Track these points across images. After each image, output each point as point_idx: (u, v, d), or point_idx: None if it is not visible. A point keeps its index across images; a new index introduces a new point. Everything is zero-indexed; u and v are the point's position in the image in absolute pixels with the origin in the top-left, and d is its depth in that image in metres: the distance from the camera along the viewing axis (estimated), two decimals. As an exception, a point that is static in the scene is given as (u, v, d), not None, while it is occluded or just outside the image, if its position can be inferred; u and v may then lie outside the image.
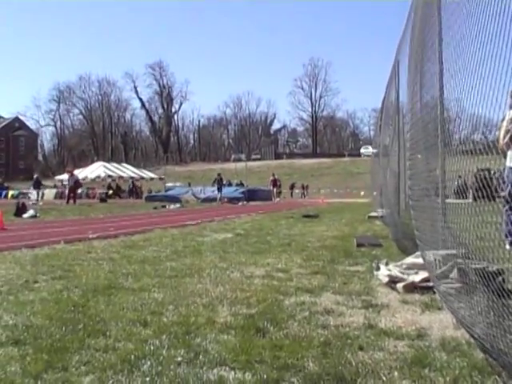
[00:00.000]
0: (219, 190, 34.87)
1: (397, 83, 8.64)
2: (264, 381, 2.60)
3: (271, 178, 38.24)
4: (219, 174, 36.49)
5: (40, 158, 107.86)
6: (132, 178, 47.09)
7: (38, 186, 34.54)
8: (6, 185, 55.26)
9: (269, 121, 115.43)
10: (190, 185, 50.40)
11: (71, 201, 30.16)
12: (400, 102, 8.41)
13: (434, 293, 4.49)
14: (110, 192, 43.60)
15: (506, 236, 4.64)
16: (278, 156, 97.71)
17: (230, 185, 45.15)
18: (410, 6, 5.93)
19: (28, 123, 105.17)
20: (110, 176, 44.46)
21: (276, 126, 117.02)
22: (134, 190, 46.77)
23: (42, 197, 34.29)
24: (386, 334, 3.39)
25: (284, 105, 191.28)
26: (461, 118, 3.57)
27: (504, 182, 5.02)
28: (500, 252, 3.00)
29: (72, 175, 33.24)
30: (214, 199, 35.01)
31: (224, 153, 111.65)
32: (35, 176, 37.00)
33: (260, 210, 21.42)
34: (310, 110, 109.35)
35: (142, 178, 48.96)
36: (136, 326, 3.57)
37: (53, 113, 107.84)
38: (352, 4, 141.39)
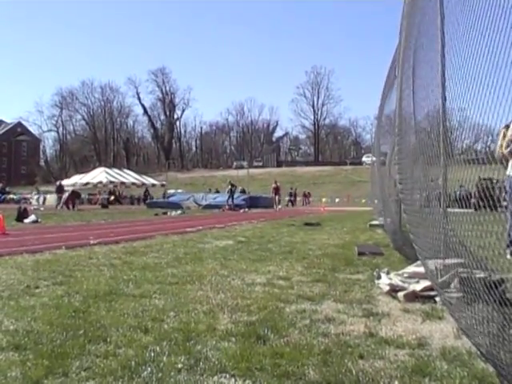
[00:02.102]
0: (231, 196, 35.45)
1: (399, 91, 8.64)
2: (264, 388, 2.60)
3: (273, 185, 38.14)
4: (230, 181, 37.72)
5: (42, 163, 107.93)
6: (134, 184, 47.20)
7: (60, 191, 35.51)
8: (7, 190, 55.24)
9: (271, 128, 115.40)
10: (210, 190, 49.88)
11: (70, 206, 31.92)
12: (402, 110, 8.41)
13: (435, 302, 4.49)
14: (112, 198, 43.65)
15: (508, 246, 4.63)
16: (279, 163, 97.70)
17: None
18: (401, 14, 5.90)
19: (30, 128, 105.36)
20: (111, 182, 44.53)
21: (278, 133, 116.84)
22: (147, 196, 47.02)
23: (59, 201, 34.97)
24: (386, 342, 3.39)
25: (286, 112, 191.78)
26: (463, 127, 3.58)
27: (506, 192, 5.02)
28: (501, 261, 3.01)
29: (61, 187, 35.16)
30: (215, 206, 35.08)
31: (226, 160, 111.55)
32: (58, 182, 38.93)
33: (261, 218, 21.41)
34: (312, 117, 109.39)
35: (144, 184, 49.00)
36: (137, 333, 3.57)
37: (55, 118, 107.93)
38: (355, 12, 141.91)
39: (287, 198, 50.96)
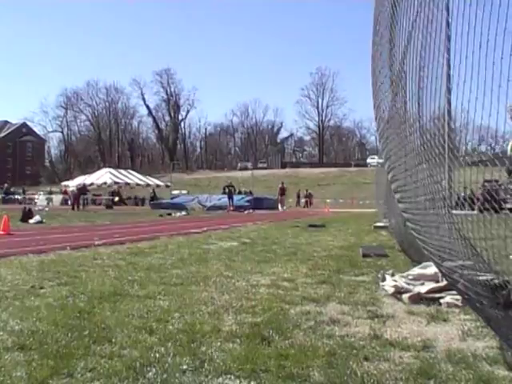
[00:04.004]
0: (230, 198, 35.13)
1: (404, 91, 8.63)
2: (269, 390, 2.60)
3: (280, 185, 37.84)
4: (230, 183, 36.96)
5: (47, 163, 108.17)
6: (139, 184, 47.21)
7: (84, 192, 36.05)
8: (12, 190, 55.34)
9: (276, 129, 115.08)
10: (240, 192, 48.03)
11: (75, 207, 31.98)
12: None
13: (440, 304, 4.48)
14: (116, 199, 43.70)
15: None
16: (284, 165, 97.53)
17: (239, 193, 44.58)
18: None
19: (35, 129, 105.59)
20: (116, 183, 44.59)
21: (283, 134, 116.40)
22: (154, 197, 46.99)
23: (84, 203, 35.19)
24: (391, 344, 3.39)
25: (291, 113, 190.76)
26: (467, 129, 3.57)
27: (511, 195, 5.00)
28: (506, 264, 3.00)
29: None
30: (220, 207, 34.98)
31: (230, 161, 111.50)
32: (83, 183, 39.35)
33: (266, 219, 21.40)
34: (316, 119, 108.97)
35: (149, 185, 49.02)
36: (141, 333, 3.58)
37: (60, 119, 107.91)
38: (359, 13, 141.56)
39: (303, 200, 51.25)
